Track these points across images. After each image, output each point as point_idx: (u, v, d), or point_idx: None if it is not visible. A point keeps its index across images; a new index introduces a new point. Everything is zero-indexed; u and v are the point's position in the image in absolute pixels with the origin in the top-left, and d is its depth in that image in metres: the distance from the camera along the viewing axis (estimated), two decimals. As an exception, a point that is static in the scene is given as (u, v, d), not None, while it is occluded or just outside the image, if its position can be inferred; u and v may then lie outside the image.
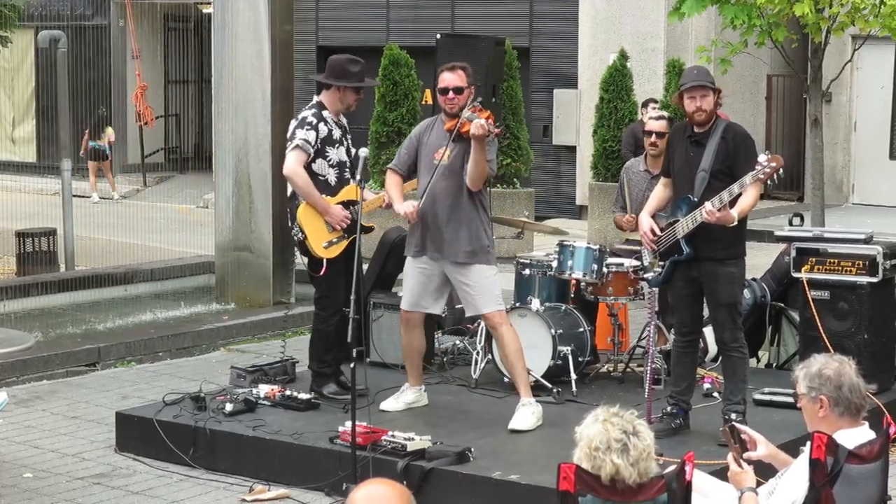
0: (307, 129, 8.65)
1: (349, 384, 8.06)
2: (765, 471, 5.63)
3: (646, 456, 4.69)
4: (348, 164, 8.80)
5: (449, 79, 8.24)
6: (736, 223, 7.74)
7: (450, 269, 8.30)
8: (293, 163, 8.64)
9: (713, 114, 7.88)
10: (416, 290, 8.41)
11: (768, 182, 7.68)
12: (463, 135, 8.06)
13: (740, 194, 7.69)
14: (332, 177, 8.74)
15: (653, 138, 9.82)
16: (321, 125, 8.70)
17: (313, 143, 8.65)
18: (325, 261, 8.69)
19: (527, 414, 8.20)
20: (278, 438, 7.97)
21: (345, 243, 8.69)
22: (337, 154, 8.76)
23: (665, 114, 10.35)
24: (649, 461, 4.71)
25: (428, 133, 8.38)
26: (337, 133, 8.77)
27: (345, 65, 8.79)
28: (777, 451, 5.60)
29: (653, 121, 10.07)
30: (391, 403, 8.60)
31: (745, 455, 5.39)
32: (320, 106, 8.79)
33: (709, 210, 7.61)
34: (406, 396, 8.64)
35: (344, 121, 8.92)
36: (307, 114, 8.75)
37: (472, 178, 8.13)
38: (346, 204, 8.70)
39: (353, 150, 8.81)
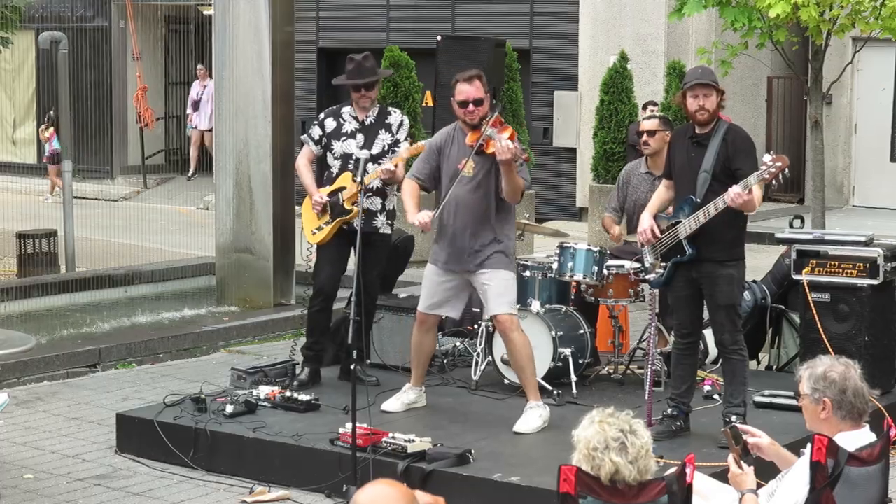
0: (313, 125, 9.28)
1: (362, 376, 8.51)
2: (765, 472, 5.63)
3: (644, 453, 4.70)
4: (356, 155, 8.89)
5: (468, 91, 8.19)
6: (755, 210, 7.77)
7: (472, 275, 8.31)
8: (298, 156, 9.37)
9: (715, 114, 7.87)
10: (435, 294, 8.41)
11: (773, 182, 7.68)
12: (486, 153, 8.05)
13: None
14: (336, 168, 9.11)
15: (644, 137, 9.90)
16: (329, 120, 9.18)
17: (316, 137, 9.20)
18: (315, 247, 9.17)
19: (533, 417, 8.20)
20: (279, 440, 7.97)
21: (328, 228, 9.03)
22: (343, 147, 9.08)
23: (657, 113, 10.42)
24: (648, 459, 4.71)
25: (449, 145, 8.34)
26: (349, 127, 9.11)
27: (345, 65, 9.22)
28: (780, 448, 5.60)
29: (645, 120, 10.21)
30: (392, 404, 8.61)
31: (752, 442, 5.40)
32: (347, 103, 9.23)
33: (736, 193, 7.56)
34: (407, 396, 8.66)
35: (395, 118, 9.11)
36: (326, 110, 9.34)
37: (509, 196, 8.17)
38: (337, 191, 9.03)
39: (399, 142, 9.06)
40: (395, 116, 9.17)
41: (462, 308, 8.74)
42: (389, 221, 9.17)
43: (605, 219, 10.15)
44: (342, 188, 9.01)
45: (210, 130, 23.75)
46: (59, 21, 24.46)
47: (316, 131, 9.19)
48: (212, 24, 13.61)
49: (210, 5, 16.87)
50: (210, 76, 23.94)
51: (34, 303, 13.30)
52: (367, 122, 9.09)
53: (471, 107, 8.18)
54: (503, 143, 7.86)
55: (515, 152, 7.88)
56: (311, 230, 9.16)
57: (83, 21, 25.78)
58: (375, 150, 9.00)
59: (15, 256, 14.87)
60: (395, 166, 8.88)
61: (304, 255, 9.42)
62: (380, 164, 8.96)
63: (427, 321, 8.50)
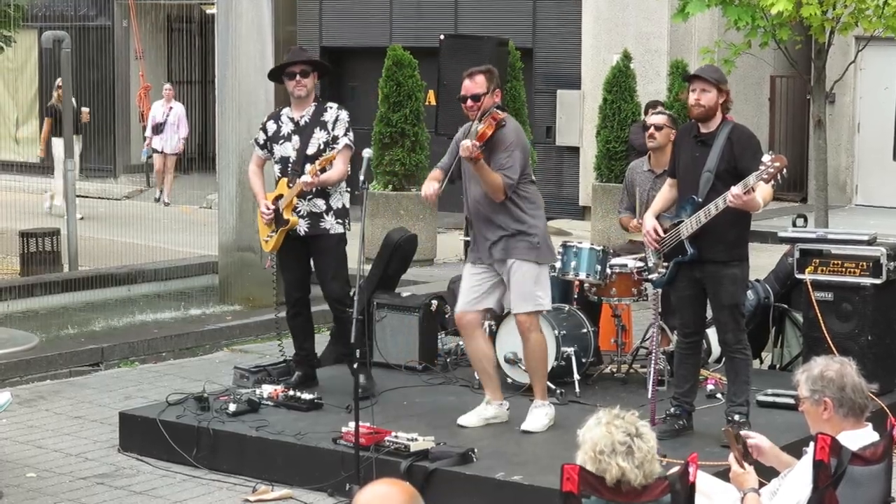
0: (259, 129, 9.15)
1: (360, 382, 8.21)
2: (769, 471, 5.63)
3: (650, 458, 4.69)
4: (293, 159, 8.83)
5: (467, 86, 8.16)
6: (760, 210, 7.75)
7: (500, 266, 8.17)
8: (251, 161, 9.21)
9: (713, 111, 7.85)
10: (466, 291, 8.26)
11: (772, 182, 7.67)
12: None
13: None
14: (277, 173, 8.97)
15: (651, 130, 9.84)
16: (269, 123, 9.05)
17: (262, 142, 9.05)
18: (268, 255, 9.09)
19: (540, 416, 8.16)
20: (281, 439, 7.97)
21: (276, 237, 8.91)
22: (281, 150, 8.93)
23: (667, 111, 10.37)
24: (654, 462, 4.71)
25: (464, 138, 8.32)
26: (286, 129, 8.93)
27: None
28: (780, 452, 5.60)
29: (653, 115, 10.13)
30: (469, 418, 8.24)
31: (751, 443, 5.38)
32: (286, 105, 9.06)
33: (735, 194, 7.55)
34: (486, 411, 8.29)
35: (330, 114, 8.84)
36: (269, 113, 9.22)
37: (487, 192, 8.07)
38: (277, 199, 8.91)
39: (337, 138, 8.75)
40: (331, 112, 8.85)
41: (500, 299, 8.34)
42: (339, 220, 8.86)
43: (621, 220, 10.11)
44: (280, 196, 8.84)
45: (175, 155, 22.61)
46: (62, 20, 24.47)
47: (261, 136, 9.03)
48: (214, 23, 13.60)
49: (213, 4, 16.87)
50: (175, 97, 23.37)
51: (37, 301, 13.31)
52: (303, 122, 8.86)
53: (469, 102, 8.15)
54: (464, 141, 7.88)
55: (470, 152, 7.82)
56: (263, 239, 9.04)
57: (86, 20, 25.80)
58: (311, 150, 8.78)
59: (18, 255, 14.88)
60: (315, 175, 8.60)
61: (265, 264, 9.42)
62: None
63: (465, 324, 8.24)
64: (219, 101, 13.44)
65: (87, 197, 22.41)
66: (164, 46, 26.56)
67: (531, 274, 8.12)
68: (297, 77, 8.86)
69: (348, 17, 22.91)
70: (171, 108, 22.56)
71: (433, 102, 17.18)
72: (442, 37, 15.57)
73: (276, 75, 9.13)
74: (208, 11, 23.67)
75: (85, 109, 21.22)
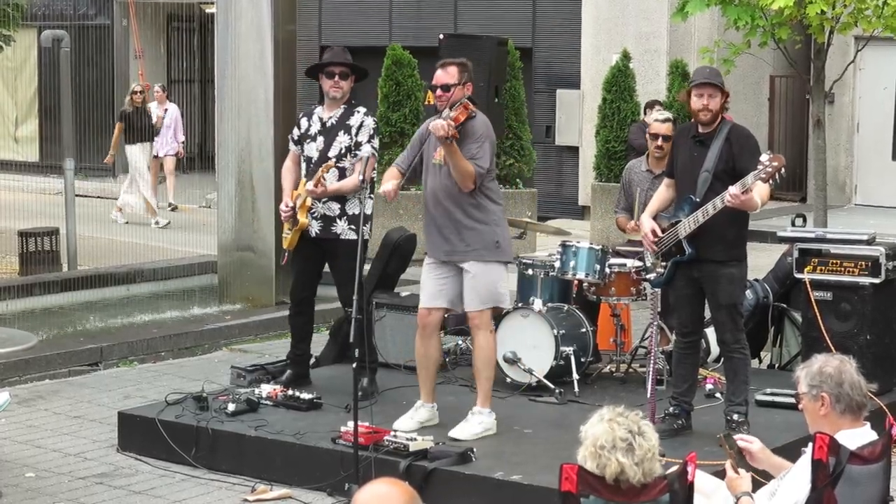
0: (294, 126, 9.10)
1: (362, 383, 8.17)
2: (767, 473, 5.62)
3: (650, 456, 4.69)
4: (315, 160, 8.79)
5: (438, 76, 8.10)
6: (758, 210, 7.74)
7: (462, 265, 8.08)
8: (287, 157, 9.14)
9: (718, 114, 7.87)
10: (432, 288, 8.14)
11: (770, 182, 7.67)
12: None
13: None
14: (303, 171, 8.93)
15: (659, 141, 9.71)
16: (303, 120, 9.02)
17: (296, 137, 9.01)
18: (285, 251, 9.12)
19: (473, 424, 8.02)
20: (280, 438, 7.97)
21: (291, 235, 8.90)
22: (307, 149, 8.90)
23: (670, 115, 10.27)
24: (653, 461, 4.71)
25: (427, 132, 8.28)
26: (314, 129, 8.88)
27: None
28: (771, 455, 5.59)
29: (658, 123, 9.89)
30: (405, 422, 8.16)
31: (742, 446, 5.38)
32: (320, 102, 9.02)
33: (733, 193, 7.54)
34: (420, 414, 8.24)
35: (356, 119, 8.78)
36: (305, 109, 9.16)
37: (457, 181, 7.93)
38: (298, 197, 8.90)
39: (359, 144, 8.72)
40: (357, 117, 8.79)
41: (459, 296, 8.30)
42: (353, 227, 8.70)
43: (618, 220, 10.07)
44: (300, 195, 8.80)
45: (174, 156, 21.66)
46: (62, 19, 24.50)
47: (295, 132, 9.01)
48: (214, 22, 13.60)
49: (212, 3, 16.87)
50: (169, 98, 22.48)
51: (36, 301, 13.29)
52: (329, 123, 8.80)
53: (438, 91, 8.07)
54: (438, 120, 7.80)
55: (446, 130, 7.70)
56: (283, 234, 9.06)
57: (85, 19, 25.81)
58: (332, 152, 8.73)
59: (17, 254, 14.87)
60: (318, 184, 8.56)
61: (282, 260, 9.44)
62: (338, 167, 8.71)
63: (429, 322, 8.15)
64: (218, 101, 13.43)
65: (86, 196, 22.40)
66: (163, 46, 26.57)
67: (488, 273, 8.00)
68: (336, 78, 8.81)
69: (348, 16, 22.93)
70: (166, 109, 21.71)
71: (432, 102, 17.20)
72: (441, 36, 15.60)
73: (314, 72, 9.00)
74: (208, 10, 23.67)
75: (159, 114, 21.04)
